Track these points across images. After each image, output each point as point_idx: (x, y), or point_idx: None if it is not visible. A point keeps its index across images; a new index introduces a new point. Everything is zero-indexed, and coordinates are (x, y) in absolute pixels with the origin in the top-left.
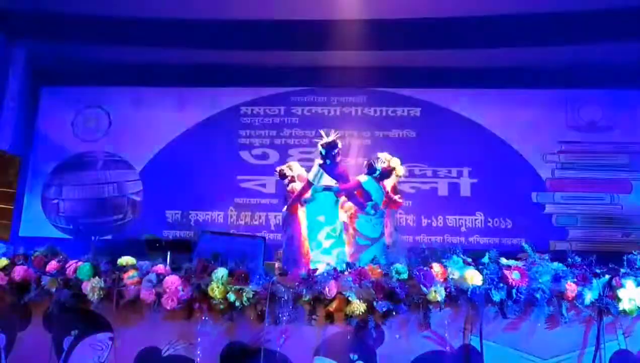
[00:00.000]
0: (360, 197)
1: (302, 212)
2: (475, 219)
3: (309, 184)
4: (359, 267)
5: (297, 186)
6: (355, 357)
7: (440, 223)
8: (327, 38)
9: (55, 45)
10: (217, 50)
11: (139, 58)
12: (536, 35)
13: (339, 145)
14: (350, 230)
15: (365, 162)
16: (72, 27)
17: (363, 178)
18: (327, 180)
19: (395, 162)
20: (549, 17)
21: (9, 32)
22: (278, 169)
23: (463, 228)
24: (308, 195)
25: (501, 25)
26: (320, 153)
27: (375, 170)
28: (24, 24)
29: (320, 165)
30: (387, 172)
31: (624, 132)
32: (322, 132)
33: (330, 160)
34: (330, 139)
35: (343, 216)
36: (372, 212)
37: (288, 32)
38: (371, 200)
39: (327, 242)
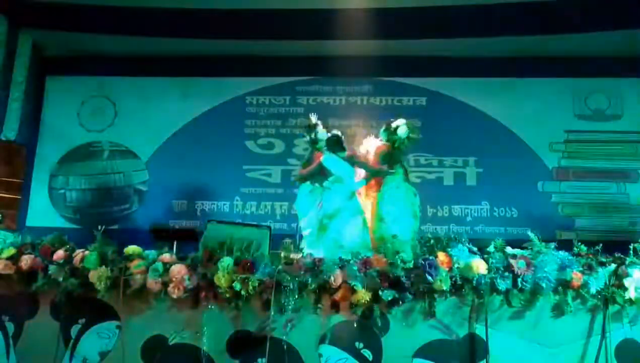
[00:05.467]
0: (323, 175)
1: None
2: (481, 208)
3: None
4: (365, 256)
5: None
6: (361, 345)
7: (446, 212)
8: (332, 27)
9: (61, 35)
10: (223, 40)
11: (145, 48)
12: (543, 23)
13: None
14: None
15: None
16: (78, 16)
17: (322, 156)
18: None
19: (397, 122)
20: (556, 5)
21: (15, 22)
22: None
23: (469, 218)
24: None
25: (508, 14)
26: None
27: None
28: (30, 14)
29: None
30: (331, 142)
31: (630, 121)
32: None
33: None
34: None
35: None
36: (330, 186)
37: (294, 22)
38: (332, 175)
39: (305, 232)
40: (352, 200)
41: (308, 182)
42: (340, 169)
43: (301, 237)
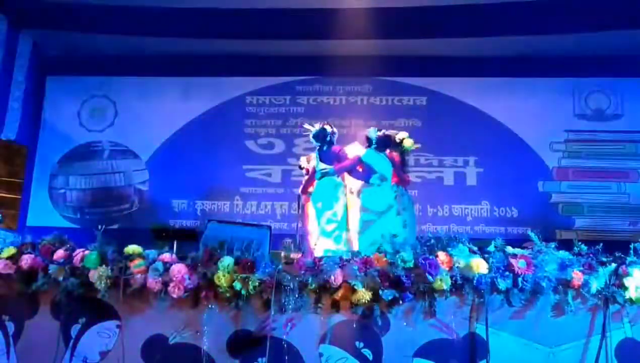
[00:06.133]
0: (362, 171)
1: (309, 205)
2: (481, 208)
3: (310, 176)
4: (364, 255)
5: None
6: (361, 344)
7: (446, 212)
8: (332, 27)
9: (61, 35)
10: (222, 39)
11: (145, 48)
12: (543, 23)
13: (329, 129)
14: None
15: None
16: (78, 16)
17: (362, 152)
18: (323, 166)
19: (401, 135)
20: (556, 4)
21: (15, 22)
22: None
23: (469, 218)
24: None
25: (508, 13)
26: (313, 143)
27: (370, 141)
28: (30, 14)
29: (317, 152)
30: (383, 141)
31: (631, 120)
32: (306, 126)
33: (326, 145)
34: (316, 127)
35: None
36: (378, 182)
37: (293, 21)
38: (375, 172)
39: (328, 226)
40: (396, 200)
41: (334, 177)
42: (384, 168)
43: (302, 236)
